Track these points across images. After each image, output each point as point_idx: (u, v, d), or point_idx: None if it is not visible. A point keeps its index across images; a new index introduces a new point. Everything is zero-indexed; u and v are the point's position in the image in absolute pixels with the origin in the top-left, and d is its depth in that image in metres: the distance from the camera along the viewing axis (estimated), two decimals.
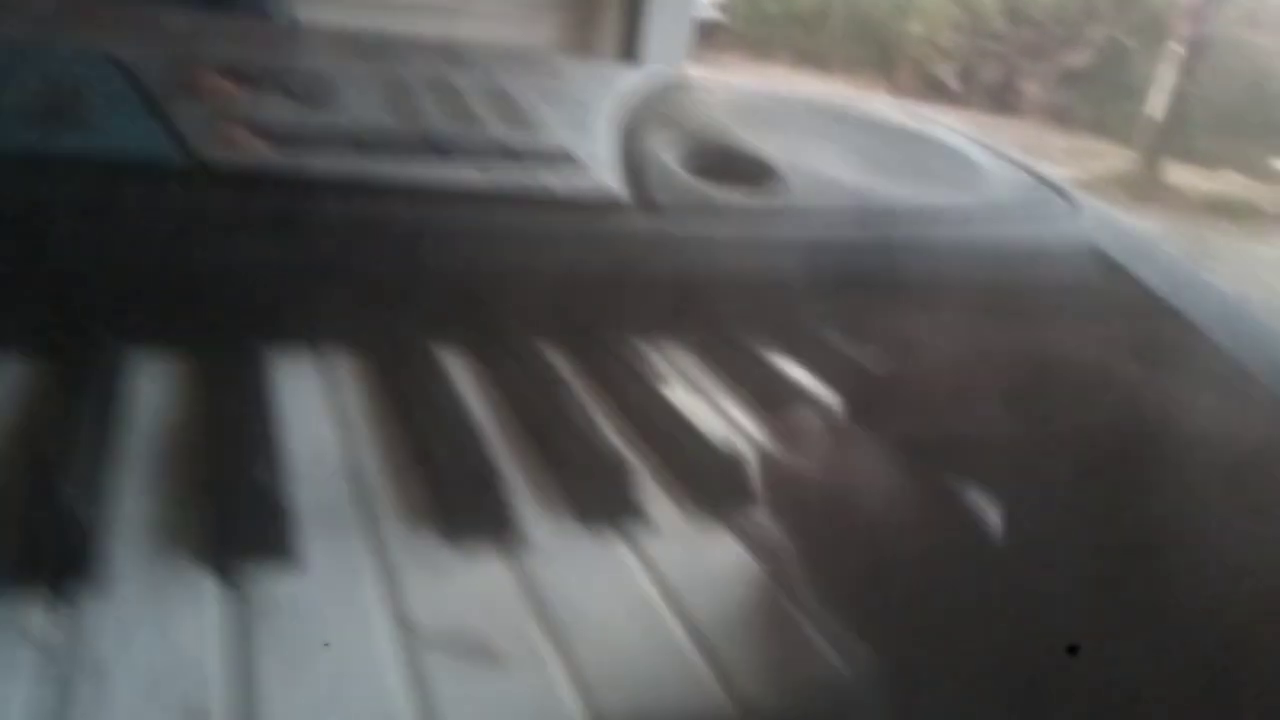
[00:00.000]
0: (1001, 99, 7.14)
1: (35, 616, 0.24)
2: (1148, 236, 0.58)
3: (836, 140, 0.59)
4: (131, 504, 0.28)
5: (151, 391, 0.35)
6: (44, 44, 0.46)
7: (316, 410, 0.36)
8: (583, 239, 0.44)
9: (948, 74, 7.28)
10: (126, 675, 0.22)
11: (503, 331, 0.42)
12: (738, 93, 0.65)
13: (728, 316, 0.46)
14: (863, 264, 0.49)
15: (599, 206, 0.45)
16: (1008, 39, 7.28)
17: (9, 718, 0.21)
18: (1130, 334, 0.43)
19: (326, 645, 0.24)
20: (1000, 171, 0.61)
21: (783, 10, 7.75)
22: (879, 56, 7.60)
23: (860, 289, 0.48)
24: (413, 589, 0.27)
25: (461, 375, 0.39)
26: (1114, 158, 6.14)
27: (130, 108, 0.42)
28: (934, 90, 7.12)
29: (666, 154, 0.51)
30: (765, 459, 0.30)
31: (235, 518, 0.27)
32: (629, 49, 1.84)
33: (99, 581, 0.25)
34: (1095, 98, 7.01)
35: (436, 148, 0.45)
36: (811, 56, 7.48)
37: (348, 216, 0.40)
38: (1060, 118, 7.03)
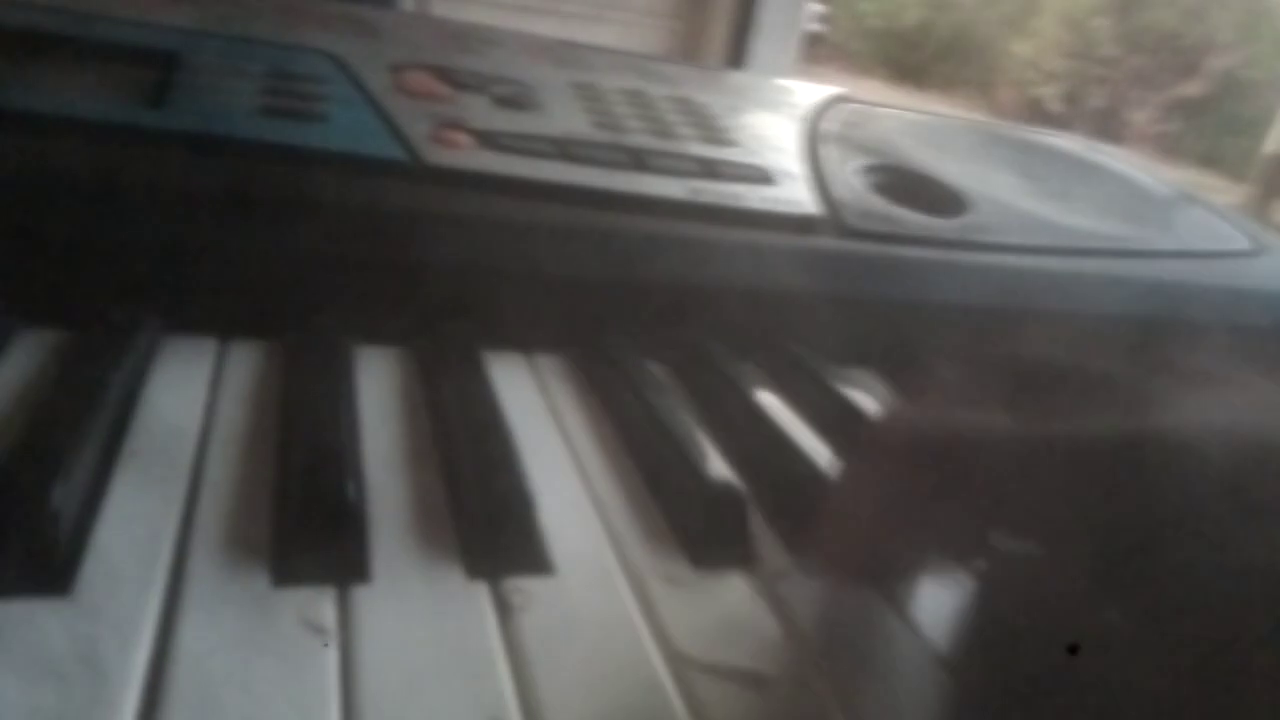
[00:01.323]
0: (1106, 127, 6.93)
1: (320, 607, 0.24)
2: None
3: (1017, 168, 0.58)
4: (387, 496, 0.29)
5: (378, 381, 0.36)
6: (265, 38, 0.48)
7: (535, 411, 0.36)
8: (781, 257, 0.43)
9: (1051, 97, 7.10)
10: (422, 676, 0.23)
11: (703, 343, 0.42)
12: (913, 116, 0.64)
13: (920, 344, 0.45)
14: (1053, 297, 0.48)
15: (797, 225, 0.45)
16: (1118, 65, 7.07)
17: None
18: None
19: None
20: (1186, 209, 0.59)
21: (886, 26, 7.65)
22: (980, 76, 7.45)
23: (1053, 323, 0.47)
24: (665, 604, 0.27)
25: (668, 384, 0.39)
26: (1225, 194, 5.91)
27: (355, 106, 0.43)
28: (1035, 113, 6.95)
29: (857, 176, 0.50)
30: None
31: (485, 519, 0.28)
32: (737, 58, 1.85)
33: (375, 575, 0.26)
34: (1208, 130, 6.76)
35: (641, 162, 0.45)
36: (910, 72, 7.37)
37: (560, 223, 0.41)
38: (1168, 149, 6.80)
